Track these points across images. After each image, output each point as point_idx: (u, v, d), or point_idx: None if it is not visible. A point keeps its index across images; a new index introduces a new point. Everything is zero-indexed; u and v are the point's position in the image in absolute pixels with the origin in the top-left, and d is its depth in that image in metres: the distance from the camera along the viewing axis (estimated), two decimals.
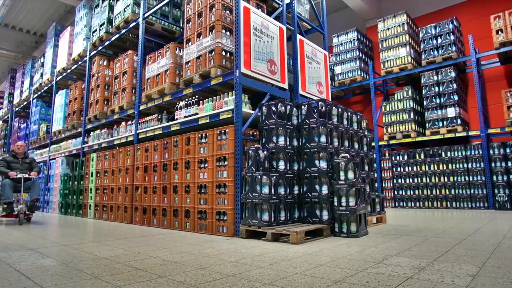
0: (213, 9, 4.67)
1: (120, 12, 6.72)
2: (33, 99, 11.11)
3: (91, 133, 7.22)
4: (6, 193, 5.30)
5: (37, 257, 2.67)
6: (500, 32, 7.28)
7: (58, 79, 9.34)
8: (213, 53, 4.55)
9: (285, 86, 4.75)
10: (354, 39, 9.73)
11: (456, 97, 7.66)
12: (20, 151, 5.90)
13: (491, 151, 7.05)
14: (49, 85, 9.90)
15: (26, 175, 5.53)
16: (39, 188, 5.71)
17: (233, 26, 4.57)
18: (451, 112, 7.67)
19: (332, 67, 10.08)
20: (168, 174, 4.78)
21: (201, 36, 4.77)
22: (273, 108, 3.94)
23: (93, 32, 7.69)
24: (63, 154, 8.11)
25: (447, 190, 7.47)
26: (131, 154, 5.62)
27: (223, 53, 4.56)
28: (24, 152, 6.01)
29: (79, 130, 7.79)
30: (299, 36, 5.33)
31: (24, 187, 5.49)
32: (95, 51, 7.54)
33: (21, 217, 5.19)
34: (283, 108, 4.01)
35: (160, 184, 4.89)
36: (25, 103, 12.05)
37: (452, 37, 7.90)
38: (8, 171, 5.50)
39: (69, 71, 8.78)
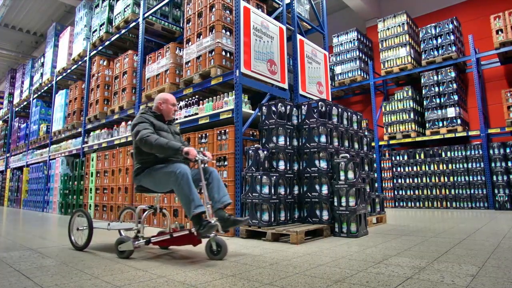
0: (213, 9, 4.67)
1: (120, 12, 6.72)
2: (33, 99, 11.10)
3: (91, 133, 7.22)
4: (192, 196, 2.51)
5: (37, 257, 2.67)
6: (500, 32, 7.28)
7: (58, 79, 9.33)
8: (213, 53, 4.55)
9: (285, 86, 4.75)
10: (354, 39, 9.73)
11: (456, 97, 7.66)
12: (171, 114, 3.03)
13: (491, 151, 7.05)
14: (49, 85, 9.89)
15: (207, 158, 2.77)
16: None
17: (233, 26, 4.56)
18: (451, 112, 7.67)
19: (332, 67, 10.07)
20: None
21: (201, 36, 4.77)
22: (273, 108, 3.94)
23: (93, 32, 7.69)
24: (63, 154, 8.11)
25: (447, 190, 7.47)
26: None
27: (223, 53, 4.56)
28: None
29: (79, 130, 7.78)
30: (299, 36, 5.33)
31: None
32: (95, 51, 7.54)
33: (224, 247, 2.52)
34: (283, 108, 4.01)
35: None
36: (25, 103, 12.04)
37: (452, 37, 7.90)
38: (180, 145, 2.62)
39: (69, 71, 8.78)
